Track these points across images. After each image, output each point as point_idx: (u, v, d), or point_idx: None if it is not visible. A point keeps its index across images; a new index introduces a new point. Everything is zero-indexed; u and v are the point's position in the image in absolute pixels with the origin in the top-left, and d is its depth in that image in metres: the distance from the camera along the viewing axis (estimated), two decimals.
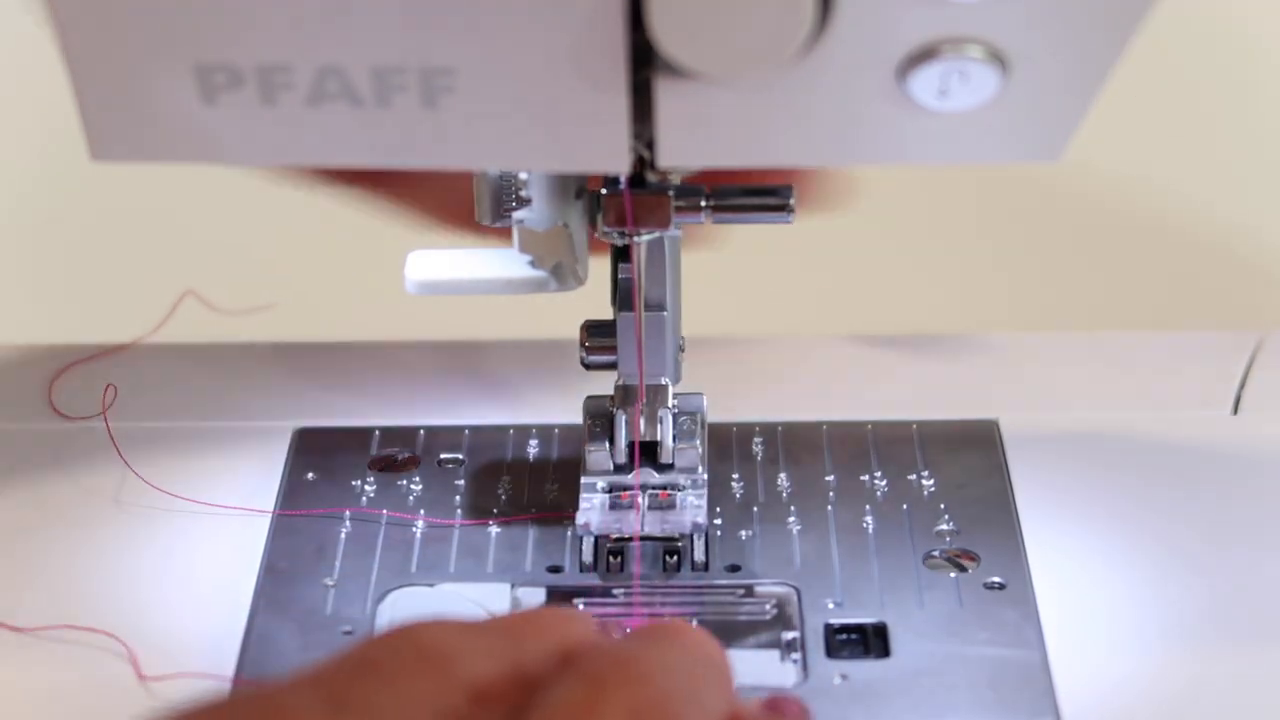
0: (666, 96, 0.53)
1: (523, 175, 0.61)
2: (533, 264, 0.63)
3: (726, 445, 0.70)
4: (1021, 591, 0.63)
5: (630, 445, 0.65)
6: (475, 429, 0.71)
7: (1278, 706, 0.59)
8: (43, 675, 0.60)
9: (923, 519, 0.66)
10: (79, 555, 0.65)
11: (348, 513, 0.67)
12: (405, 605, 0.63)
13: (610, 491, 0.65)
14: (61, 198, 0.95)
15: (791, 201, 0.62)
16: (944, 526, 0.66)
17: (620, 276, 0.64)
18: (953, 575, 0.64)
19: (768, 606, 0.63)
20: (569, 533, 0.66)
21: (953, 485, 0.68)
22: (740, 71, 0.51)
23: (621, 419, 0.65)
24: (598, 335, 0.65)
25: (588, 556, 0.65)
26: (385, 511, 0.67)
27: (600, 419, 0.66)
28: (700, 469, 0.65)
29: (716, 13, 0.50)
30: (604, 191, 0.61)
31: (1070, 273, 0.95)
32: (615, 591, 0.63)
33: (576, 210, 0.63)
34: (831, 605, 0.63)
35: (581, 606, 0.63)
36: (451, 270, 0.64)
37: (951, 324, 0.94)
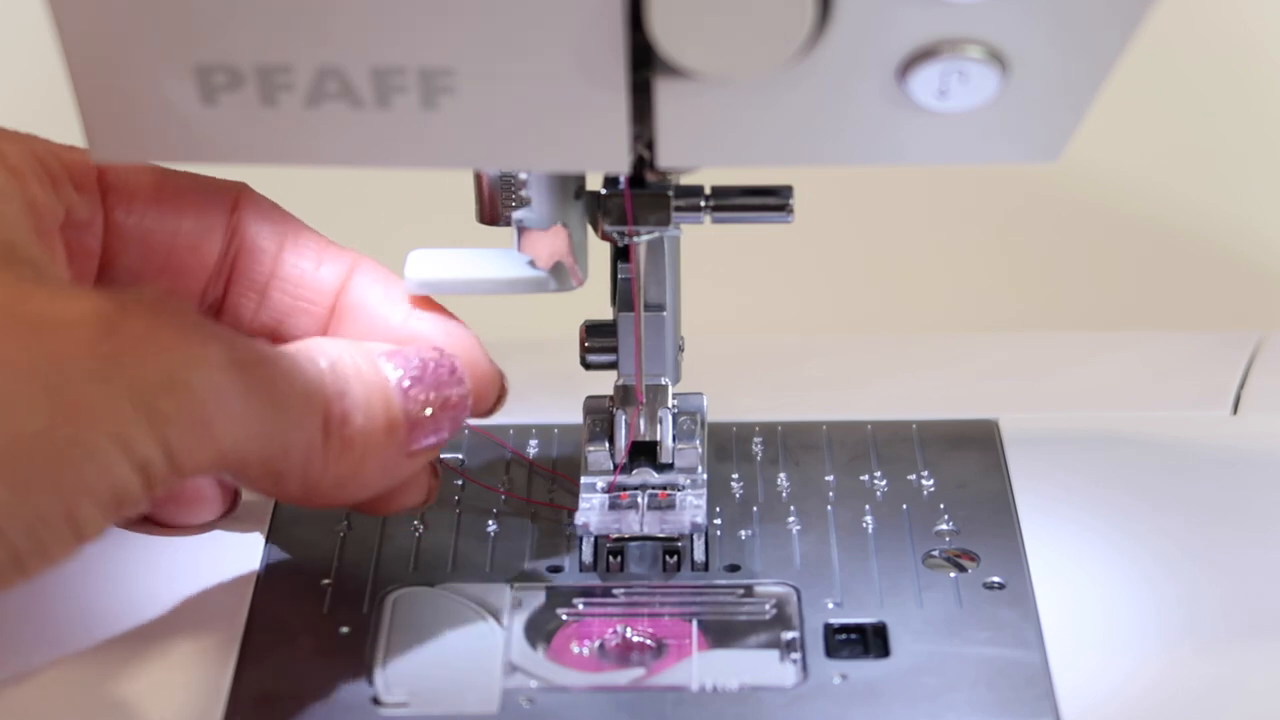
0: (666, 96, 0.53)
1: (523, 175, 0.61)
2: (533, 264, 0.63)
3: (726, 445, 0.70)
4: (1021, 591, 0.63)
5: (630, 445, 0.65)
6: (475, 429, 0.71)
7: (1278, 706, 0.59)
8: (37, 672, 0.60)
9: (922, 519, 0.66)
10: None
11: (347, 512, 0.67)
12: (405, 604, 0.63)
13: (609, 491, 0.65)
14: None
15: (791, 202, 0.62)
16: (944, 526, 0.66)
17: (620, 276, 0.64)
18: (952, 575, 0.64)
19: (767, 606, 0.63)
20: (569, 533, 0.66)
21: (952, 485, 0.68)
22: (740, 72, 0.51)
23: (621, 419, 0.65)
24: (598, 335, 0.65)
25: (587, 556, 0.65)
26: None
27: (600, 418, 0.66)
28: (700, 469, 0.65)
29: (716, 13, 0.50)
30: (603, 191, 0.61)
31: (1070, 273, 0.95)
32: (615, 591, 0.63)
33: (576, 210, 0.63)
34: (831, 605, 0.63)
35: (582, 607, 0.63)
36: (451, 270, 0.64)
37: (951, 324, 0.94)
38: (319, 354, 0.58)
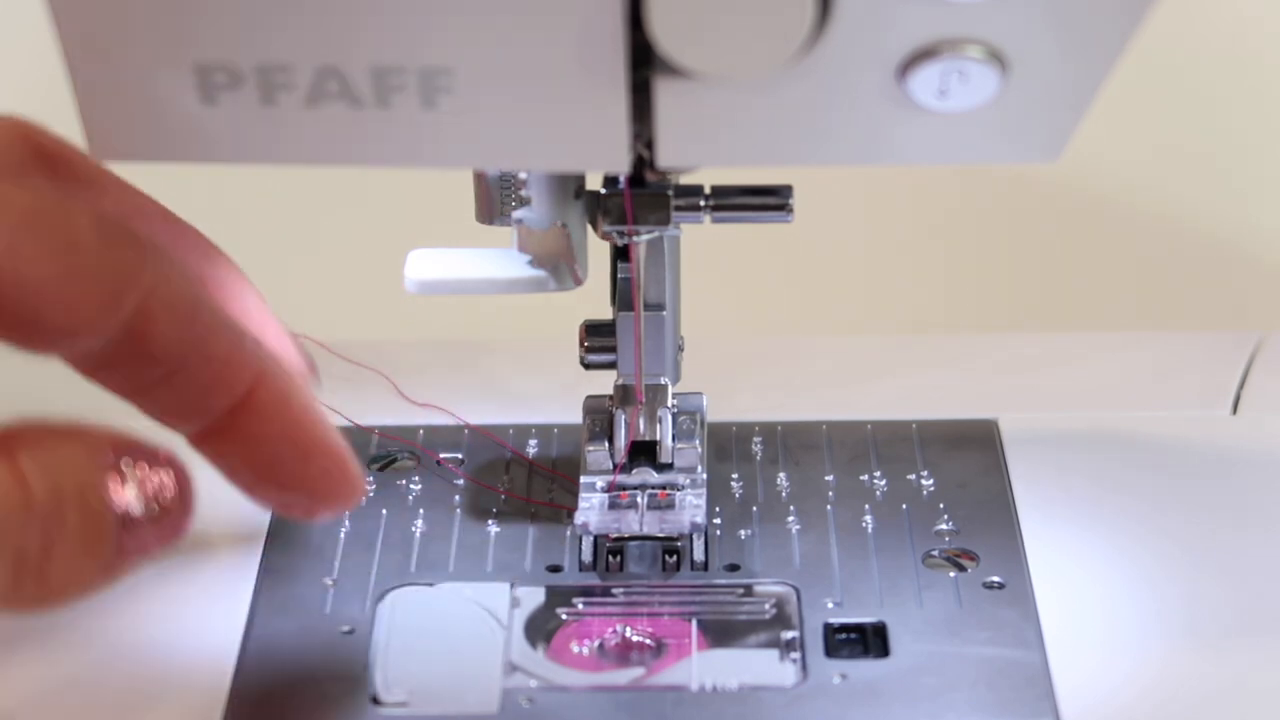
0: (666, 96, 0.53)
1: (522, 175, 0.61)
2: (532, 264, 0.63)
3: (726, 445, 0.70)
4: (1021, 591, 0.63)
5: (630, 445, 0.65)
6: (475, 428, 0.71)
7: (1278, 706, 0.59)
8: (38, 673, 0.60)
9: (922, 519, 0.66)
10: None
11: (347, 512, 0.67)
12: (405, 604, 0.63)
13: (608, 491, 0.65)
14: None
15: (791, 201, 0.62)
16: (943, 526, 0.66)
17: (620, 276, 0.64)
18: (952, 575, 0.64)
19: (767, 606, 0.63)
20: (568, 532, 0.66)
21: (952, 485, 0.68)
22: (740, 71, 0.51)
23: (621, 418, 0.65)
24: (597, 335, 0.65)
25: (587, 556, 0.65)
26: (384, 511, 0.67)
27: (600, 418, 0.66)
28: (699, 469, 0.65)
29: (716, 13, 0.50)
30: (603, 191, 0.61)
31: (1070, 273, 0.95)
32: (615, 591, 0.63)
33: (576, 210, 0.63)
34: (831, 605, 0.63)
35: (581, 606, 0.63)
36: (451, 270, 0.64)
37: (951, 324, 0.94)
38: (33, 477, 0.49)
